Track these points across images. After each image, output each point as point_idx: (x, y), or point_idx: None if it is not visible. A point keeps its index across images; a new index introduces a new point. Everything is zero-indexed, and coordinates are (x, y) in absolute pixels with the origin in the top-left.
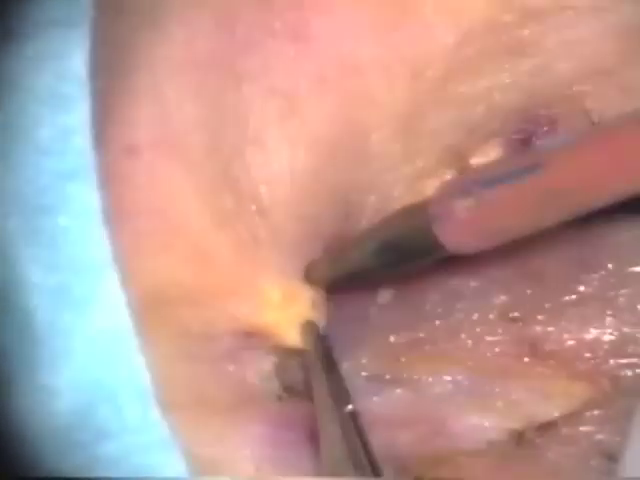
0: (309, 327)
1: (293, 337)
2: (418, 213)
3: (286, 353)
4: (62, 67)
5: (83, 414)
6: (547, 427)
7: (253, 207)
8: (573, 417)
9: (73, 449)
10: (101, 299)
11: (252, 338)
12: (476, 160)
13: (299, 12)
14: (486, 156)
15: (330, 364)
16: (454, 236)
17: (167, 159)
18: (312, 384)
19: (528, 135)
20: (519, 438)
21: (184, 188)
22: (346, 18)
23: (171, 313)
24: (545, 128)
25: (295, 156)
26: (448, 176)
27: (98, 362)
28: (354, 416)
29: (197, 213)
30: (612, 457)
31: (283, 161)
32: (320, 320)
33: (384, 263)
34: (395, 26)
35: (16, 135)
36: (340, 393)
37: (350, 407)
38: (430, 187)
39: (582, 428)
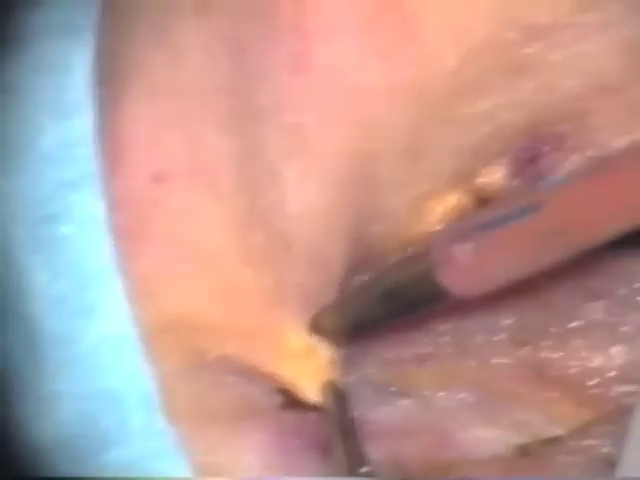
0: (329, 387)
1: (312, 392)
2: (419, 259)
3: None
4: (65, 75)
5: (88, 422)
6: (552, 441)
7: (280, 245)
8: (579, 432)
9: (78, 457)
10: (105, 307)
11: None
12: (482, 180)
13: (302, 42)
14: (492, 176)
15: (348, 425)
16: (457, 280)
17: (197, 188)
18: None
19: (534, 154)
20: (524, 450)
21: (214, 219)
22: (349, 46)
23: (186, 336)
24: (551, 146)
25: (309, 194)
26: (454, 197)
27: (102, 370)
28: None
29: (226, 246)
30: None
31: (299, 199)
32: (341, 378)
33: (387, 312)
34: (398, 51)
35: (19, 143)
36: (356, 455)
37: (365, 469)
38: (436, 208)
39: (587, 442)
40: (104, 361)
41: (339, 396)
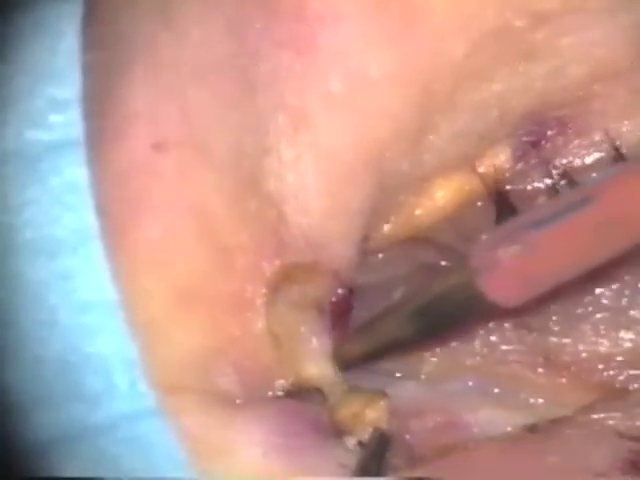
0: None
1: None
2: (457, 268)
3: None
4: (55, 40)
5: (72, 384)
6: (560, 419)
7: (275, 218)
8: (585, 408)
9: (65, 419)
10: (86, 272)
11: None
12: (486, 162)
13: (303, 24)
14: (496, 158)
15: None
16: (502, 288)
17: (194, 157)
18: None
19: (537, 137)
20: (531, 428)
21: (211, 188)
22: (353, 30)
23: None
24: (555, 130)
25: (305, 174)
26: (459, 178)
27: (85, 334)
28: None
29: (225, 215)
30: (623, 435)
31: (294, 178)
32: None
33: (421, 329)
34: (405, 38)
35: (6, 107)
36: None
37: None
38: (438, 188)
39: (594, 416)
40: (87, 325)
41: (383, 439)
